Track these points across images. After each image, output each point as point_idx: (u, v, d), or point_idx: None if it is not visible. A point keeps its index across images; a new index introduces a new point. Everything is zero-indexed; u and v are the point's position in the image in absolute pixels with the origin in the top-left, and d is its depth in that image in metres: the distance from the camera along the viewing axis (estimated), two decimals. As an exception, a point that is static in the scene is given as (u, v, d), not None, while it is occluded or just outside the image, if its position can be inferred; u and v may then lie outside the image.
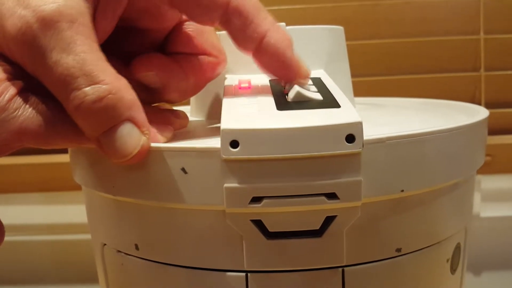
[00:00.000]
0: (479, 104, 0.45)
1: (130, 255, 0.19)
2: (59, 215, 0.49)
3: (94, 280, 0.23)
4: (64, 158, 0.45)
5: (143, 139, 0.16)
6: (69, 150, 0.22)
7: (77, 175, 0.21)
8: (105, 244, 0.21)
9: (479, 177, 0.48)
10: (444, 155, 0.18)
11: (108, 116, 0.15)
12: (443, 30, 0.46)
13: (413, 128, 0.17)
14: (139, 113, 0.16)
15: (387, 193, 0.17)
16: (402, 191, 0.17)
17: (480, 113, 0.21)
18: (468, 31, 0.46)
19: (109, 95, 0.15)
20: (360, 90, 0.45)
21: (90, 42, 0.15)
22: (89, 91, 0.15)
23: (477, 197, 0.48)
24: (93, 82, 0.15)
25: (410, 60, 0.46)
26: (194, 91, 0.21)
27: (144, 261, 0.19)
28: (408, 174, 0.17)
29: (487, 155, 0.44)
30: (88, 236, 0.23)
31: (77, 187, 0.22)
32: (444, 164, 0.18)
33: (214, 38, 0.20)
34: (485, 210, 0.48)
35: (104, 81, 0.15)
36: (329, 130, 0.15)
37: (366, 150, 0.16)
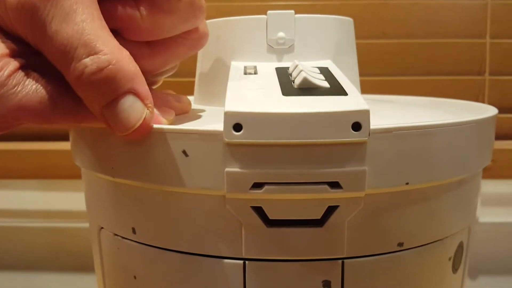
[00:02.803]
0: (483, 108, 0.45)
1: (126, 238, 0.19)
2: (56, 202, 0.48)
3: (89, 268, 0.23)
4: (63, 145, 0.45)
5: (146, 112, 0.16)
6: (70, 131, 0.21)
7: (77, 157, 0.21)
8: (102, 228, 0.20)
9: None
10: (451, 150, 0.17)
11: (109, 88, 0.15)
12: (450, 33, 0.46)
13: (421, 121, 0.17)
14: (142, 85, 0.16)
15: (392, 185, 0.16)
16: (407, 183, 0.16)
17: (488, 110, 0.21)
18: (475, 34, 0.46)
19: (109, 66, 0.15)
20: (363, 89, 0.44)
21: (90, 10, 0.15)
22: (88, 62, 0.15)
23: (477, 202, 0.48)
24: (92, 52, 0.15)
25: (415, 61, 0.46)
26: (162, 65, 0.19)
27: (140, 245, 0.18)
28: (414, 166, 0.16)
29: (489, 159, 0.44)
30: (84, 224, 0.22)
31: (75, 175, 0.21)
32: (451, 158, 0.17)
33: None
34: (484, 215, 0.48)
35: (104, 51, 0.15)
36: (335, 117, 0.15)
37: (372, 140, 0.15)
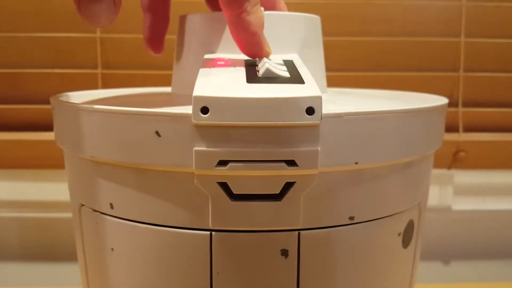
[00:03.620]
0: (457, 102, 0.47)
1: (105, 214, 0.21)
2: (48, 192, 0.49)
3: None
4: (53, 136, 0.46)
5: None
6: (53, 114, 0.23)
7: (58, 139, 0.22)
8: (82, 205, 0.22)
9: (453, 171, 0.50)
10: (398, 134, 0.19)
11: None
12: (427, 32, 0.48)
13: (371, 108, 0.19)
14: None
15: (342, 164, 0.18)
16: (356, 163, 0.18)
17: (438, 101, 0.23)
18: (450, 33, 0.48)
19: None
20: (345, 83, 0.46)
21: None
22: None
23: (449, 191, 0.50)
24: None
25: (394, 58, 0.48)
26: None
27: (117, 219, 0.20)
28: (363, 148, 0.18)
29: (461, 150, 0.46)
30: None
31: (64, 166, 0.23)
32: (398, 142, 0.19)
33: None
34: (457, 203, 0.50)
35: None
36: (291, 102, 0.17)
37: (325, 123, 0.17)
